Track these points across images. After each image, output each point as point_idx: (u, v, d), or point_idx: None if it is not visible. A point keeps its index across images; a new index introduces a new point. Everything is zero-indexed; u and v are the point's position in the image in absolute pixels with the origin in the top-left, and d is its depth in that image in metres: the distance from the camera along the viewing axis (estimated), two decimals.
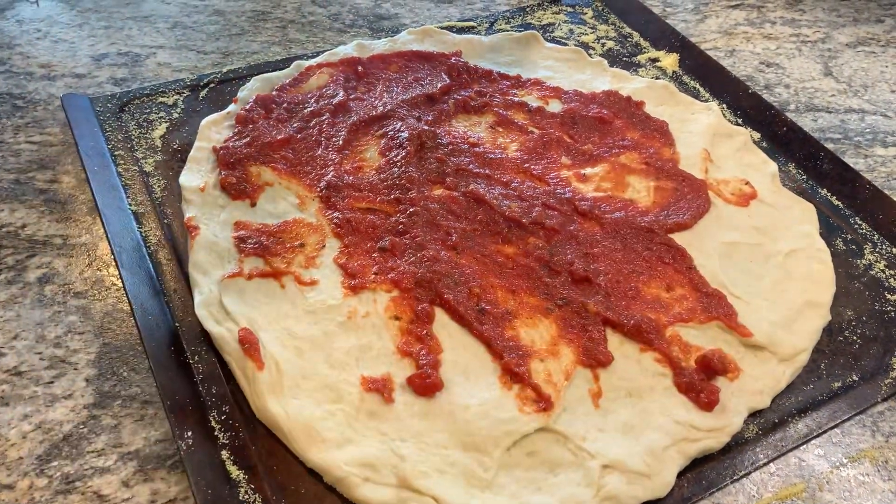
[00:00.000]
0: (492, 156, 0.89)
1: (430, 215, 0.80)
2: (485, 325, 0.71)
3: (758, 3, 1.31)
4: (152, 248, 0.77)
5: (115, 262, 0.74)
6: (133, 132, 0.91)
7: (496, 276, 0.75)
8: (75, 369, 0.69)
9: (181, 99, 0.96)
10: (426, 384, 0.65)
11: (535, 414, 0.65)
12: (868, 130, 1.04)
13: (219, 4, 1.18)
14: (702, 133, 0.94)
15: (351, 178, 0.84)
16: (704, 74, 1.09)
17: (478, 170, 0.86)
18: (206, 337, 0.70)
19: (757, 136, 1.00)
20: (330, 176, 0.83)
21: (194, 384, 0.66)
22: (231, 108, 0.92)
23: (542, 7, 1.21)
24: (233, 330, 0.68)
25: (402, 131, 0.89)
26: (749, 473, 0.65)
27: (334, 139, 0.88)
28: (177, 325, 0.71)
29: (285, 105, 0.92)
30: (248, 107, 0.91)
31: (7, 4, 1.13)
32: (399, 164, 0.86)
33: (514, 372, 0.67)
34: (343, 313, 0.71)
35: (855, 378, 0.73)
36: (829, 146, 0.99)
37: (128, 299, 0.71)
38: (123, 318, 0.73)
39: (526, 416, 0.64)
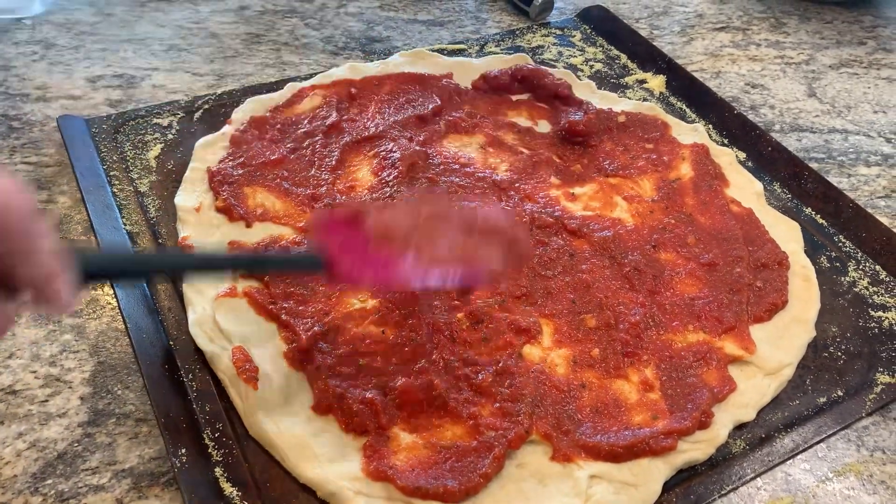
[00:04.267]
0: (482, 175, 0.90)
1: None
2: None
3: (743, 26, 1.34)
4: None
5: (110, 281, 0.75)
6: (128, 153, 0.92)
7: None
8: (70, 388, 0.69)
9: (176, 120, 0.97)
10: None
11: None
12: (851, 150, 1.07)
13: (213, 27, 1.20)
14: None
15: (344, 197, 0.86)
16: (691, 95, 1.11)
17: (467, 185, 0.88)
18: (199, 355, 0.70)
19: (742, 155, 1.01)
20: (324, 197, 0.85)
21: (188, 402, 0.67)
22: (225, 129, 0.93)
23: (531, 30, 1.24)
24: (226, 348, 0.69)
25: (395, 151, 0.90)
26: (736, 488, 0.66)
27: (327, 159, 0.90)
28: (171, 343, 0.71)
29: (279, 126, 0.94)
30: (242, 128, 0.92)
31: (3, 26, 1.15)
32: (391, 183, 0.87)
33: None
34: None
35: (840, 393, 0.74)
36: (814, 166, 1.01)
37: (122, 318, 0.71)
38: (118, 336, 0.74)
39: None
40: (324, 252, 0.63)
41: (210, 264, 0.66)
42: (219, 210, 0.82)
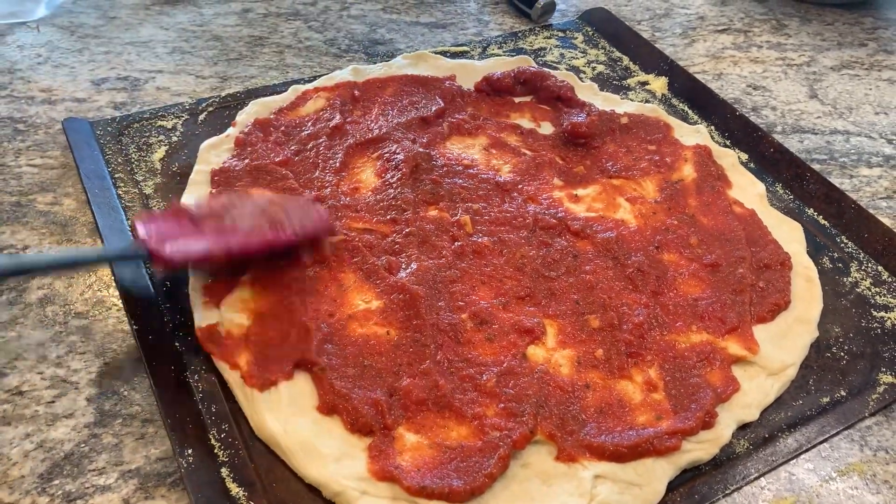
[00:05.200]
0: (485, 177, 0.91)
1: (425, 235, 0.82)
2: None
3: (744, 28, 1.34)
4: (152, 268, 0.78)
5: (116, 282, 0.75)
6: (133, 155, 0.92)
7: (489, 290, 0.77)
8: (76, 389, 0.70)
9: (180, 122, 0.98)
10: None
11: None
12: (853, 151, 1.07)
13: (217, 30, 1.21)
14: None
15: (348, 199, 0.86)
16: (693, 97, 1.11)
17: (470, 187, 0.88)
18: (205, 356, 0.71)
19: (745, 157, 1.02)
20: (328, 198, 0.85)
21: (194, 403, 0.67)
22: (230, 131, 0.94)
23: (533, 32, 1.24)
24: (232, 349, 0.69)
25: (398, 153, 0.91)
26: (740, 487, 0.66)
27: (331, 161, 0.90)
28: (177, 344, 0.72)
29: (283, 128, 0.94)
30: (246, 130, 0.93)
31: (7, 30, 1.15)
32: (395, 185, 0.87)
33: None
34: None
35: (843, 393, 0.74)
36: (816, 167, 1.01)
37: (128, 319, 0.72)
38: (124, 337, 0.74)
39: None
40: (144, 241, 0.70)
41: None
42: None
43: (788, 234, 0.88)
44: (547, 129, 1.01)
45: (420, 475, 0.61)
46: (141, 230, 0.71)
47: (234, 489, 0.61)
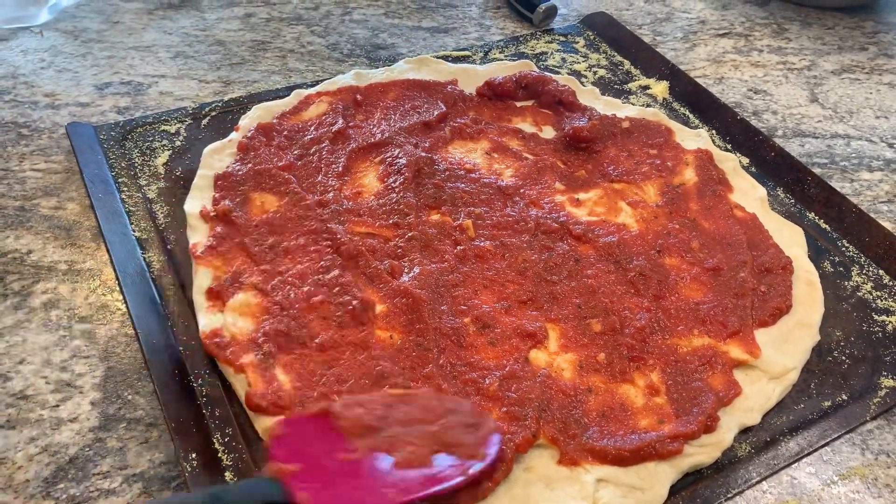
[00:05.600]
0: (487, 181, 0.91)
1: (427, 239, 0.82)
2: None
3: (745, 32, 1.35)
4: (156, 273, 0.79)
5: (120, 287, 0.76)
6: (136, 160, 0.93)
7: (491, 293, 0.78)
8: (81, 393, 0.70)
9: (183, 127, 0.98)
10: None
11: None
12: (854, 155, 1.07)
13: (220, 34, 1.21)
14: None
15: (350, 203, 0.86)
16: (694, 101, 1.11)
17: (473, 191, 0.89)
18: (209, 360, 0.71)
19: (746, 161, 1.02)
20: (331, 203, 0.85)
21: (198, 407, 0.67)
22: (233, 135, 0.94)
23: (534, 37, 1.24)
24: (237, 353, 0.70)
25: (400, 158, 0.91)
26: (742, 491, 0.66)
27: (334, 166, 0.90)
28: (181, 348, 0.72)
29: (286, 133, 0.94)
30: (249, 134, 0.93)
31: (11, 35, 1.16)
32: (397, 189, 0.88)
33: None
34: None
35: (844, 397, 0.74)
36: (817, 171, 1.01)
37: (132, 323, 0.72)
38: (128, 342, 0.74)
39: None
40: (282, 477, 0.56)
41: None
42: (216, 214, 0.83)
43: (789, 238, 0.89)
44: (549, 133, 1.01)
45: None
46: (279, 455, 0.57)
47: None
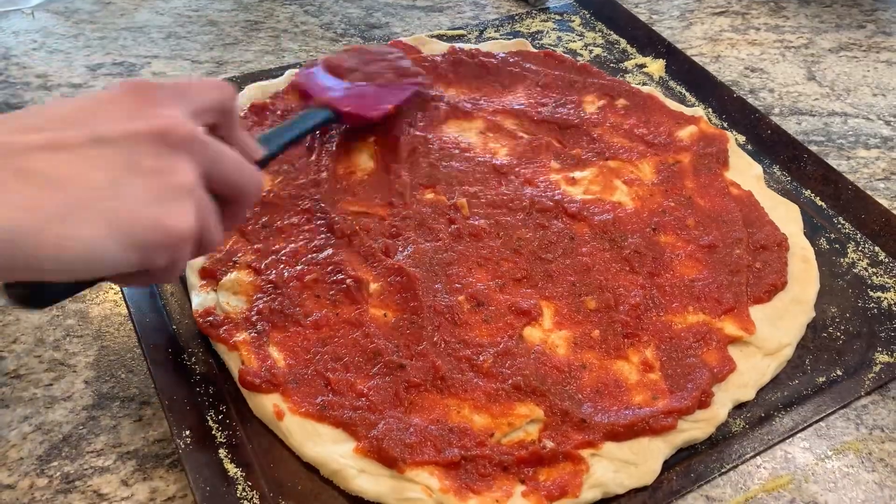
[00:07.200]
0: (482, 160, 0.91)
1: (421, 218, 0.82)
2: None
3: (742, 10, 1.34)
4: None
5: None
6: None
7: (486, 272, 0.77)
8: (74, 372, 0.70)
9: None
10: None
11: None
12: (851, 133, 1.07)
13: (212, 14, 1.20)
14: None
15: (344, 182, 0.86)
16: (690, 80, 1.11)
17: (467, 170, 0.88)
18: (202, 338, 0.71)
19: (742, 139, 1.02)
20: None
21: (191, 384, 0.67)
22: None
23: (530, 15, 1.24)
24: (230, 331, 0.70)
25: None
26: (736, 466, 0.66)
27: (327, 145, 0.90)
28: (174, 327, 0.72)
29: (279, 112, 0.94)
30: (243, 114, 0.93)
31: (2, 16, 1.15)
32: (391, 168, 0.87)
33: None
34: None
35: (839, 373, 0.74)
36: (813, 148, 1.01)
37: (125, 303, 0.72)
38: (121, 321, 0.74)
39: None
40: (329, 104, 0.85)
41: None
42: None
43: (785, 216, 0.88)
44: (544, 111, 1.00)
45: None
46: (331, 94, 0.87)
47: (232, 469, 0.62)
